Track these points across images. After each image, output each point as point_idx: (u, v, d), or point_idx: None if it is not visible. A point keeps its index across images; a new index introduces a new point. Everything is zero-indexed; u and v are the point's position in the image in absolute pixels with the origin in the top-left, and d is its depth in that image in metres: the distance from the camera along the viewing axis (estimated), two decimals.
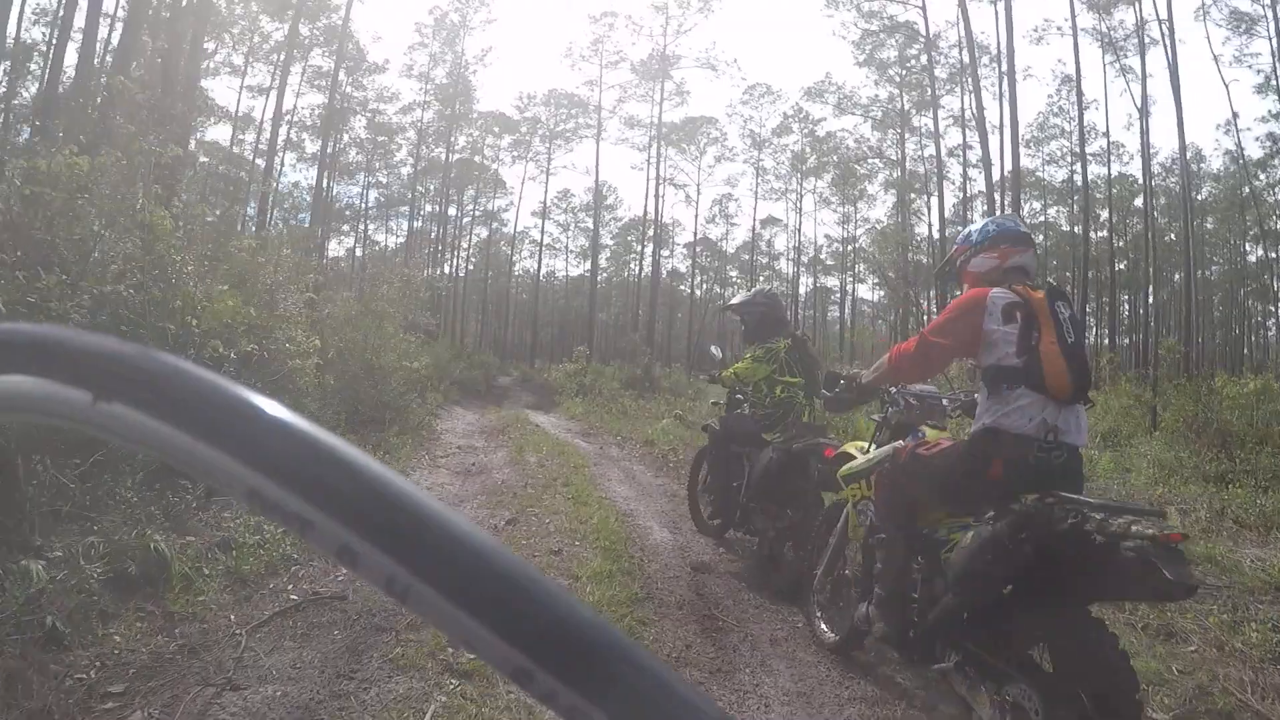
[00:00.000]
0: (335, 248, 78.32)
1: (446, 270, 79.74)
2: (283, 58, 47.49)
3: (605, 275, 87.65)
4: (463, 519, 0.47)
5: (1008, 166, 45.87)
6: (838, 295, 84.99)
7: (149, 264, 10.52)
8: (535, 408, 36.43)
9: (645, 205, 75.51)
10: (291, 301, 17.06)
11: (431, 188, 75.20)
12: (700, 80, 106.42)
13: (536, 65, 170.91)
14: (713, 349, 12.15)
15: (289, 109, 61.29)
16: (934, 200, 63.24)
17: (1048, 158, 66.79)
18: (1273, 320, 70.37)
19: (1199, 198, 63.47)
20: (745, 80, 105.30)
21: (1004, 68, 44.20)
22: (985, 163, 43.12)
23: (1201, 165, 64.26)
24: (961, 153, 62.44)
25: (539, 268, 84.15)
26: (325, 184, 67.10)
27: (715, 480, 10.69)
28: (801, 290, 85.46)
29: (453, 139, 72.66)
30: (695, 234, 79.69)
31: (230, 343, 11.44)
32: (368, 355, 20.84)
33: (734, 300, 10.77)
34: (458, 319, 79.39)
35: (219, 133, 66.96)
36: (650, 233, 71.57)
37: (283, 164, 64.41)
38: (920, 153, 65.96)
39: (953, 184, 67.10)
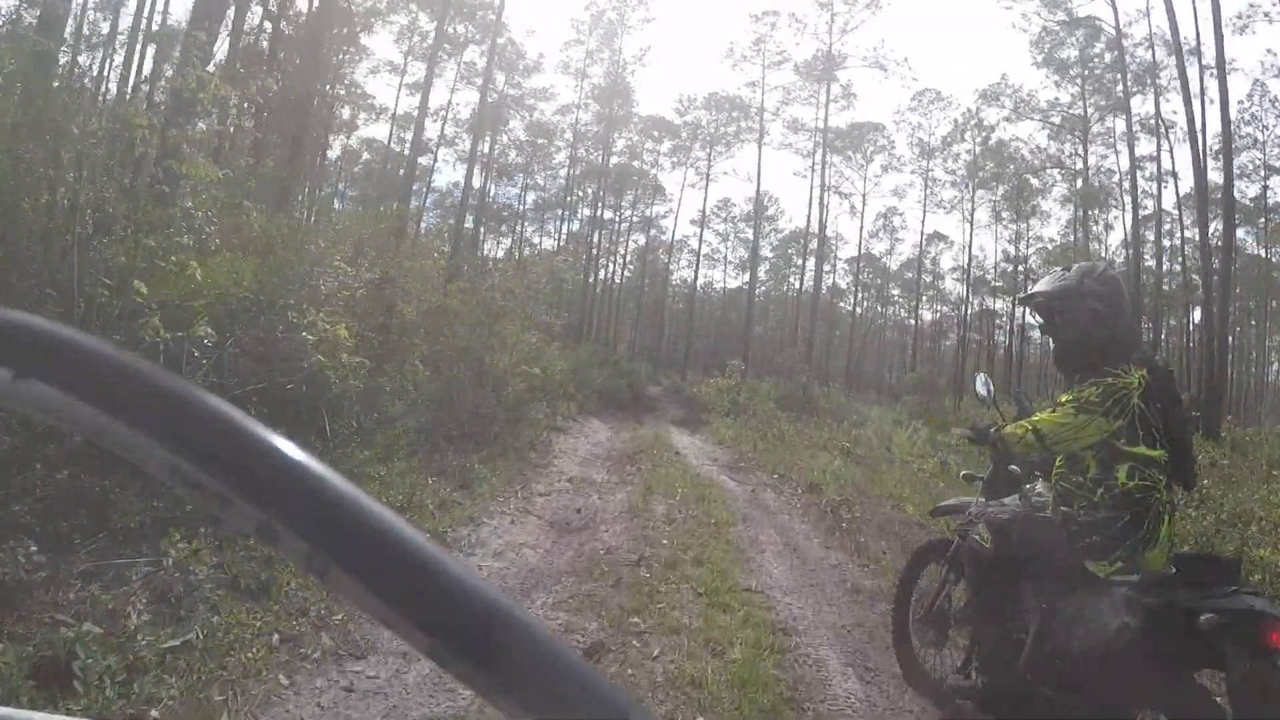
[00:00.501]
0: (493, 247, 75.43)
1: (602, 276, 76.81)
2: (430, 50, 43.57)
3: (764, 288, 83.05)
4: (374, 504, 0.46)
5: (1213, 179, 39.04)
6: (1003, 320, 77.42)
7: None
8: (681, 424, 32.32)
9: (808, 215, 69.83)
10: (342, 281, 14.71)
11: (590, 191, 71.47)
12: (868, 81, 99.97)
13: (696, 67, 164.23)
14: (980, 381, 6.42)
15: (442, 104, 57.88)
16: (1120, 216, 57.17)
17: (1238, 171, 59.07)
18: None
19: None
20: (915, 80, 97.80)
21: (1207, 59, 37.51)
22: (1197, 171, 36.36)
23: None
24: (1146, 165, 55.73)
25: (696, 277, 78.54)
26: (483, 183, 64.70)
27: (970, 616, 5.87)
28: (967, 312, 78.31)
29: (611, 141, 68.70)
30: (860, 246, 73.46)
31: (177, 324, 9.01)
32: (473, 356, 17.73)
33: (1039, 285, 5.49)
34: (611, 325, 76.54)
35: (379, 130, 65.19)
36: (812, 245, 66.50)
37: (434, 161, 62.73)
38: (1100, 164, 59.42)
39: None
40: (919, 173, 69.01)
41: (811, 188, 66.71)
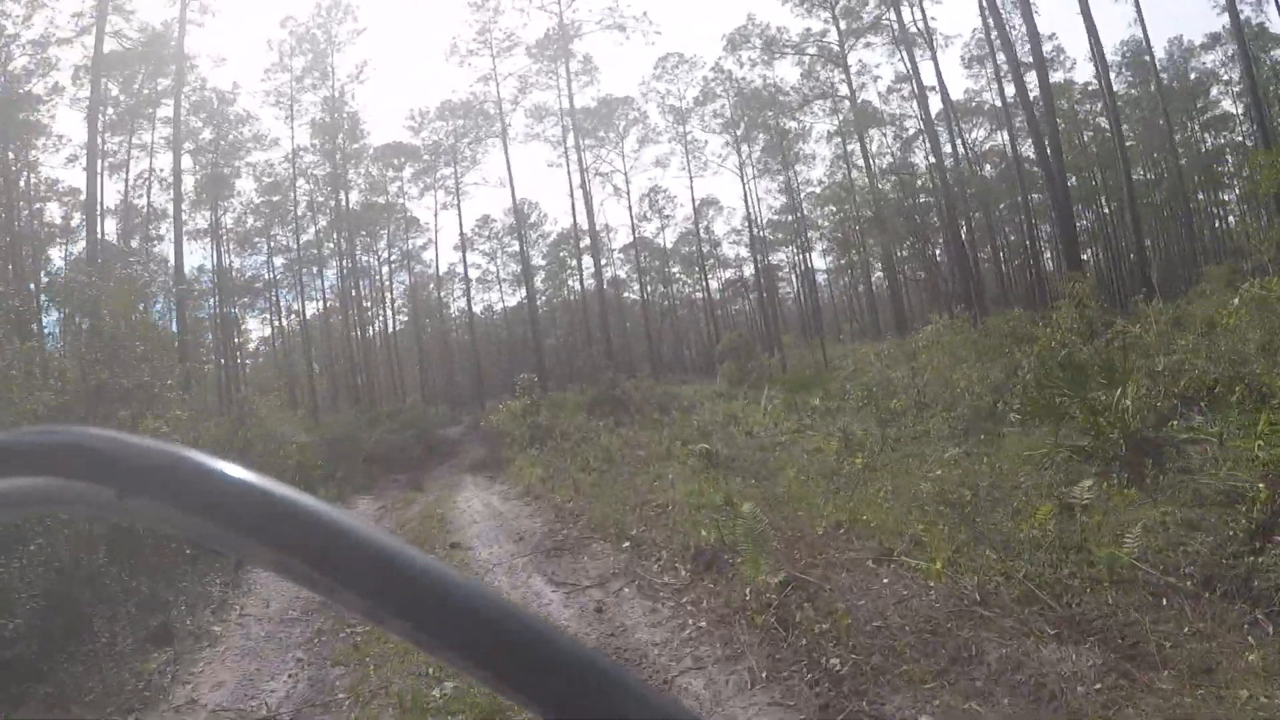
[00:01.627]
0: (257, 326, 68.98)
1: (375, 329, 69.98)
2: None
3: (544, 298, 74.79)
4: (460, 579, 0.48)
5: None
6: (785, 270, 70.26)
7: None
8: (479, 470, 25.96)
9: (572, 205, 61.27)
10: None
11: (341, 239, 60.45)
12: (608, 49, 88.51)
13: (424, 75, 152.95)
14: None
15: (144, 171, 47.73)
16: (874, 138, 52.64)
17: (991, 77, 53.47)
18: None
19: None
20: (659, 35, 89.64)
21: None
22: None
23: (1147, 58, 51.77)
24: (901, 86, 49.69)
25: (469, 304, 70.14)
26: (217, 258, 57.15)
27: None
28: (748, 272, 72.38)
29: (347, 180, 60.29)
30: (632, 228, 66.06)
31: None
32: None
33: None
34: (395, 375, 69.10)
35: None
36: (584, 238, 60.92)
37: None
38: (858, 96, 54.35)
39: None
40: (677, 139, 61.89)
41: (570, 174, 57.72)
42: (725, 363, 43.77)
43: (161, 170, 51.72)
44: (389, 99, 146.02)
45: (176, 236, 43.91)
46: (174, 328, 39.39)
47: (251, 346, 69.68)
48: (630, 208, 63.65)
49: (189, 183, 53.09)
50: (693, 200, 64.73)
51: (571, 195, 58.27)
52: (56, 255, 52.27)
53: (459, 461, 30.79)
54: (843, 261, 64.52)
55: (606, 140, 60.35)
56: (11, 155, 45.11)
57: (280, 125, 70.97)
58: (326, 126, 56.54)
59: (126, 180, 49.98)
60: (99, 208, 40.14)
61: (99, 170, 35.72)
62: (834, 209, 59.35)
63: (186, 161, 52.40)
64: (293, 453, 21.59)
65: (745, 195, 60.45)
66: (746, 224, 60.90)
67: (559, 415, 26.50)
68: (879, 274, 61.52)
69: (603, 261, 64.66)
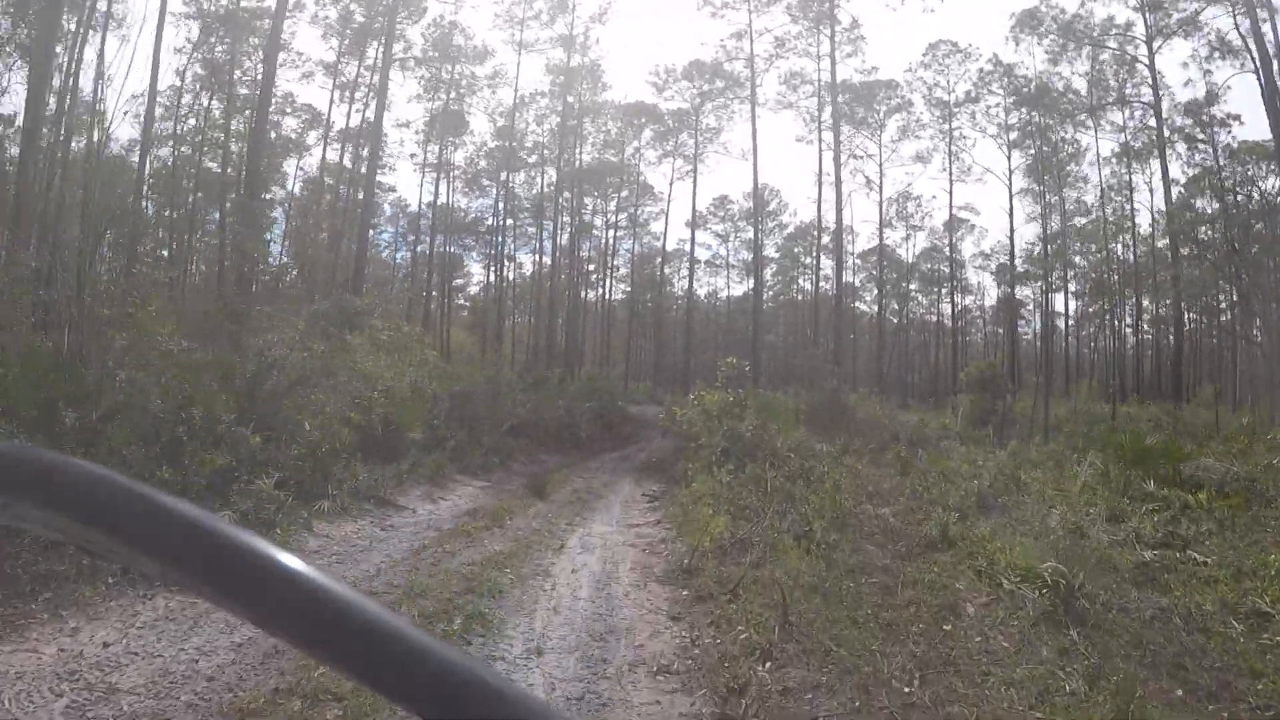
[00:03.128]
0: (478, 271, 63.00)
1: (594, 293, 64.23)
2: None
3: (771, 292, 66.05)
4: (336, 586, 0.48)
5: None
6: (1029, 308, 58.98)
7: None
8: (646, 476, 19.00)
9: (818, 190, 51.09)
10: None
11: (573, 194, 55.07)
12: (876, 13, 75.33)
13: (663, 30, 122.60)
14: None
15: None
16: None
17: None
18: None
19: None
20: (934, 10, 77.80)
21: None
22: None
23: None
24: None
25: (691, 283, 62.09)
26: (448, 196, 52.24)
27: None
28: (988, 301, 64.13)
29: (582, 135, 53.55)
30: (879, 230, 54.92)
31: None
32: None
33: None
34: (603, 343, 63.72)
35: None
36: (821, 233, 52.61)
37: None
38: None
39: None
40: (941, 136, 51.04)
41: (820, 155, 48.69)
42: (964, 395, 35.24)
43: (391, 97, 46.39)
44: (626, 51, 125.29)
45: (371, 164, 37.67)
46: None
47: (473, 290, 64.95)
48: (880, 204, 53.47)
49: (417, 112, 48.12)
50: (950, 206, 53.73)
51: (819, 181, 49.08)
52: (290, 167, 50.29)
53: (631, 452, 23.20)
54: (1092, 309, 54.32)
55: (864, 124, 50.83)
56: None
57: (506, 50, 63.90)
58: (562, 69, 49.75)
59: (350, 101, 45.16)
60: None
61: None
62: (1094, 247, 49.10)
63: (412, 88, 47.40)
64: (376, 402, 14.19)
65: (1010, 209, 48.88)
66: (1009, 238, 50.23)
67: (768, 422, 18.09)
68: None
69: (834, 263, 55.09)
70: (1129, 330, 51.95)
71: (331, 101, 46.37)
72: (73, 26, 33.32)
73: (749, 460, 15.67)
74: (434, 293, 57.04)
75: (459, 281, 63.96)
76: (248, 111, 43.74)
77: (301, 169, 50.84)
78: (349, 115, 45.45)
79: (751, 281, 59.38)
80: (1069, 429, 27.49)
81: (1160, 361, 47.18)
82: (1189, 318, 49.55)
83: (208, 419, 10.88)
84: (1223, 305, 47.91)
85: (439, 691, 0.44)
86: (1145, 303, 48.67)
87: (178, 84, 40.53)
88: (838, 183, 46.27)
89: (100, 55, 33.98)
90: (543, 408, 23.61)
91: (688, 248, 62.43)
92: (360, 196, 43.27)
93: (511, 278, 62.94)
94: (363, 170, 42.18)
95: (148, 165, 39.45)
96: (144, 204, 37.08)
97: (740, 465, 15.32)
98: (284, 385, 12.87)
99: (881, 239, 55.02)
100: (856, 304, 61.93)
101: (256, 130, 30.92)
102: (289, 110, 48.35)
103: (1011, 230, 49.61)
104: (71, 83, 32.42)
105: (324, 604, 0.44)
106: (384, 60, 38.70)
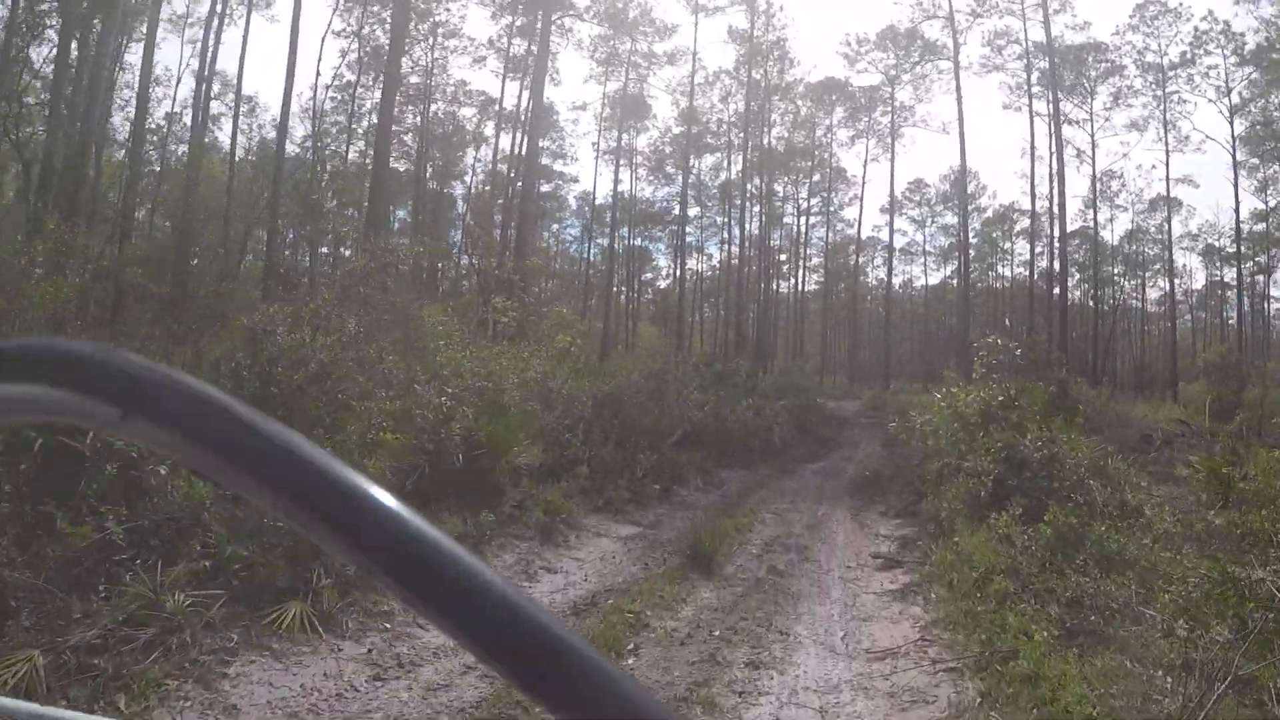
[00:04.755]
0: (667, 263, 58.88)
1: (788, 285, 59.81)
2: None
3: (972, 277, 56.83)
4: (447, 541, 0.44)
5: None
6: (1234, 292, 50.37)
7: None
8: (867, 503, 13.63)
9: (1030, 162, 43.15)
10: None
11: (761, 181, 49.46)
12: None
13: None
14: None
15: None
16: None
17: None
18: None
19: None
20: None
21: None
22: None
23: None
24: None
25: (889, 273, 55.77)
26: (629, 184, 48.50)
27: None
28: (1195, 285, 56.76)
29: (770, 116, 47.48)
30: (1093, 203, 46.58)
31: None
32: None
33: None
34: (795, 335, 57.90)
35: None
36: (1026, 214, 46.39)
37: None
38: None
39: None
40: (1155, 102, 42.83)
41: (1032, 124, 41.29)
42: (1193, 384, 32.22)
43: (557, 73, 41.63)
44: (814, 22, 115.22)
45: (531, 140, 33.00)
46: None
47: (662, 284, 61.31)
48: (1094, 177, 45.22)
49: (595, 94, 43.31)
50: (1167, 179, 45.11)
51: (1031, 152, 41.59)
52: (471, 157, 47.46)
53: (836, 462, 17.76)
54: None
55: (1074, 91, 42.92)
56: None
57: (680, 10, 57.90)
58: (744, 38, 43.99)
59: (521, 83, 40.57)
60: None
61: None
62: None
63: (585, 67, 43.19)
64: (451, 411, 8.69)
65: (1235, 179, 40.39)
66: (1235, 209, 41.82)
67: (1025, 419, 11.64)
68: None
69: (1037, 247, 48.85)
70: None
71: (503, 86, 42.64)
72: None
73: (1036, 494, 9.75)
74: (622, 287, 53.73)
75: (648, 275, 59.91)
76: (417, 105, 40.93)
77: (478, 159, 47.61)
78: (519, 98, 41.07)
79: (949, 268, 57.65)
80: None
81: None
82: None
83: None
84: None
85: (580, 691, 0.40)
86: None
87: (337, 71, 37.75)
88: (1059, 147, 38.65)
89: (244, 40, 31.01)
90: (725, 409, 17.73)
91: (882, 234, 57.59)
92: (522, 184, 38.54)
93: (700, 269, 59.27)
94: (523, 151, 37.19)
95: (327, 163, 36.62)
96: (326, 202, 34.57)
97: (1029, 505, 9.41)
98: (291, 386, 7.44)
99: (1096, 215, 47.08)
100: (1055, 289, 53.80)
101: (378, 151, 25.87)
102: (462, 99, 45.34)
103: (1237, 201, 41.48)
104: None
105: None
106: (543, 24, 33.39)
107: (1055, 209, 40.56)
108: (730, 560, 9.12)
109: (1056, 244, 41.82)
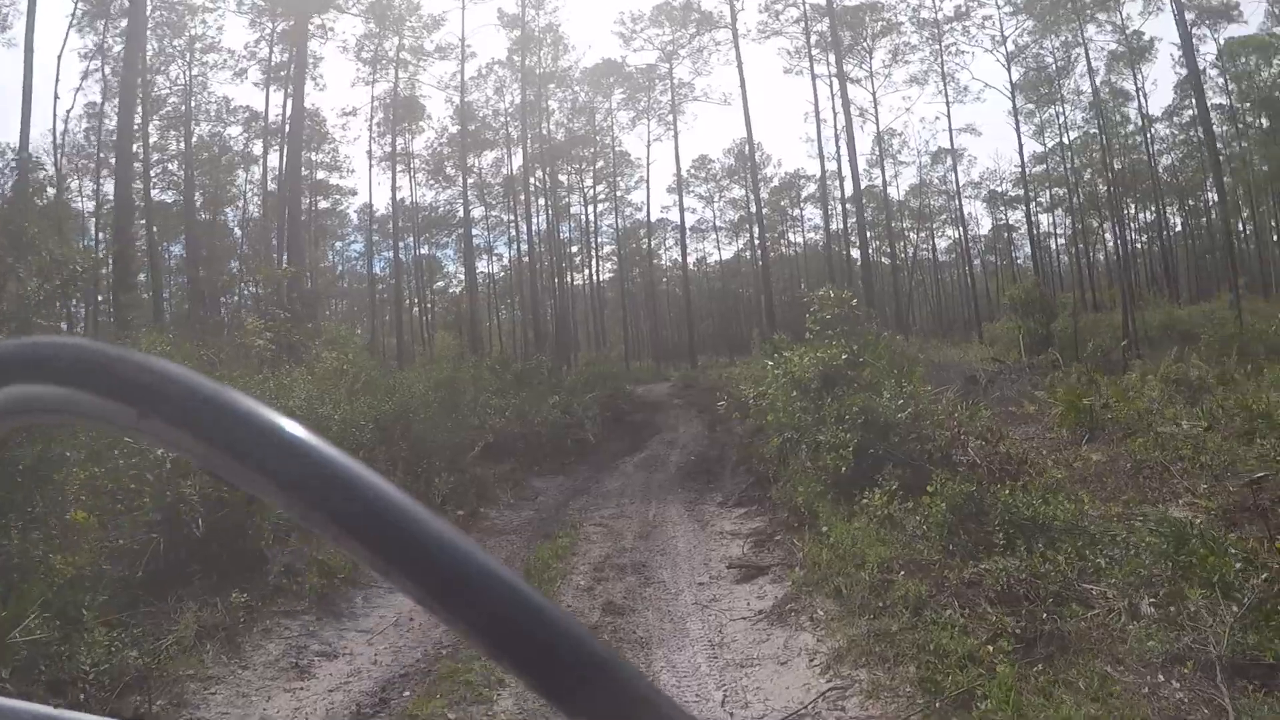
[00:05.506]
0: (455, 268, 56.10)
1: (582, 276, 58.25)
2: None
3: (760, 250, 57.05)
4: (460, 537, 0.43)
5: None
6: (1023, 230, 53.91)
7: None
8: (701, 496, 11.75)
9: (816, 124, 43.74)
10: None
11: (542, 175, 47.96)
12: None
13: None
14: None
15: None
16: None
17: None
18: None
19: None
20: None
21: None
22: None
23: None
24: None
25: (684, 253, 54.75)
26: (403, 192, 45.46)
27: None
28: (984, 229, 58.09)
29: (547, 104, 46.33)
30: (879, 159, 48.40)
31: None
32: None
33: None
34: (596, 326, 57.36)
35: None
36: (824, 179, 45.71)
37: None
38: None
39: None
40: (934, 57, 44.08)
41: (814, 80, 42.52)
42: (1002, 323, 31.71)
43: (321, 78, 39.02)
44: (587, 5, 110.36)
45: (293, 147, 30.51)
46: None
47: (456, 290, 57.76)
48: (878, 134, 45.94)
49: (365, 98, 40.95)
50: (950, 130, 46.54)
51: (816, 114, 41.93)
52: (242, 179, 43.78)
53: (659, 450, 16.39)
54: (1080, 226, 48.32)
55: (852, 51, 43.06)
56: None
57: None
58: (517, 22, 42.17)
59: (285, 92, 37.70)
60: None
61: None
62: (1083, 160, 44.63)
63: (354, 69, 40.80)
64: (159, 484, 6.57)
65: (1017, 124, 42.08)
66: (1019, 152, 43.59)
67: (879, 376, 10.38)
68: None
69: (832, 210, 48.47)
70: (1115, 241, 46.77)
71: (268, 98, 39.41)
72: None
73: (910, 462, 8.59)
74: (415, 299, 51.59)
75: (440, 284, 57.47)
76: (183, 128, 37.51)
77: (250, 181, 43.81)
78: (284, 109, 38.00)
79: (741, 241, 57.50)
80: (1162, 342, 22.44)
81: (1169, 263, 45.42)
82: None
83: None
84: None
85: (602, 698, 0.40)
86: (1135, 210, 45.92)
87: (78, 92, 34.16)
88: (845, 106, 38.78)
89: None
90: (529, 411, 16.00)
91: (671, 215, 56.60)
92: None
93: (491, 271, 57.59)
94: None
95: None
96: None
97: (905, 475, 8.20)
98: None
99: (885, 173, 48.57)
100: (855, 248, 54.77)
101: (118, 179, 23.01)
102: (227, 117, 41.67)
103: (1020, 145, 43.82)
104: None
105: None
106: (298, 24, 30.83)
107: (847, 168, 40.92)
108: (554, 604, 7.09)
109: (849, 204, 42.22)
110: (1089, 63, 40.26)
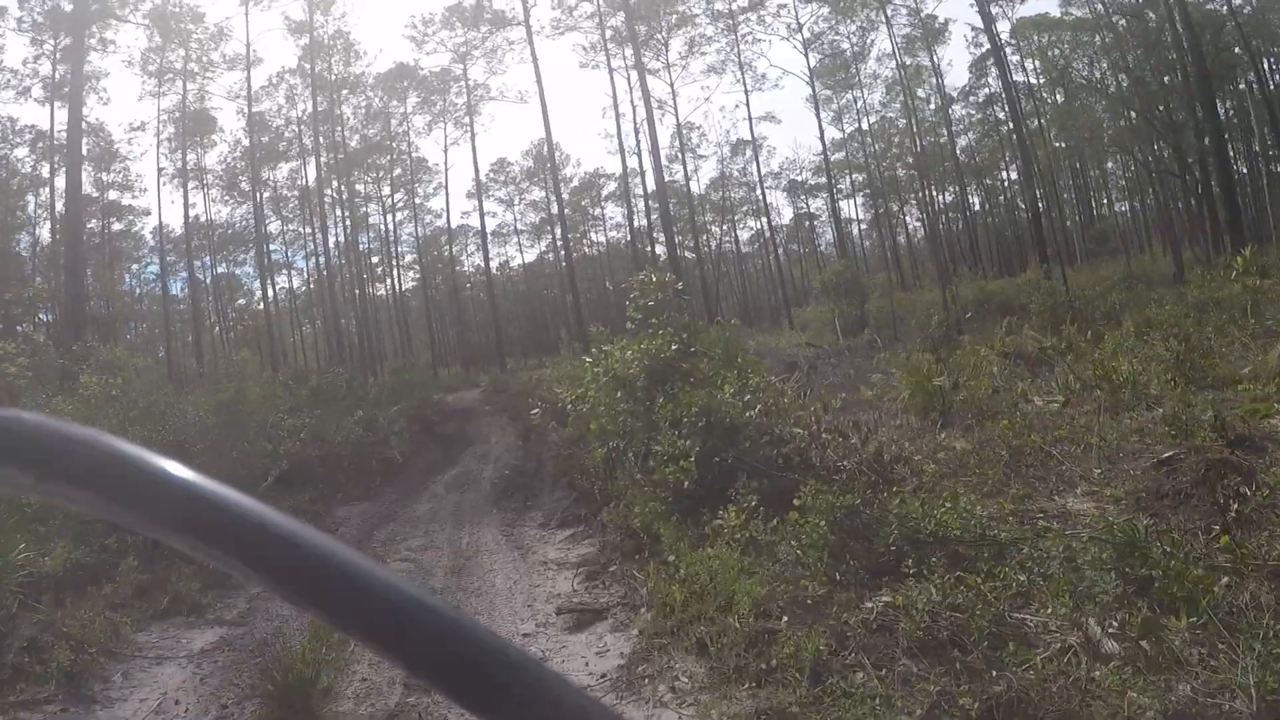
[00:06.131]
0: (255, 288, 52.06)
1: (384, 287, 56.46)
2: None
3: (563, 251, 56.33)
4: (353, 556, 0.44)
5: None
6: (825, 217, 56.80)
7: None
8: (519, 520, 10.31)
9: (615, 118, 43.06)
10: None
11: (339, 186, 46.26)
12: None
13: None
14: None
15: None
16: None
17: None
18: None
19: None
20: None
21: None
22: None
23: None
24: None
25: (486, 258, 53.37)
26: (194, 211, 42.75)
27: None
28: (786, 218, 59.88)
29: (341, 112, 44.24)
30: (680, 151, 47.85)
31: None
32: None
33: None
34: (401, 336, 54.95)
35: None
36: (614, 181, 47.79)
37: None
38: None
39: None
40: (730, 48, 44.10)
41: (611, 74, 41.76)
42: (815, 307, 32.24)
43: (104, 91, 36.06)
44: (379, 10, 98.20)
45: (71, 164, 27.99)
46: None
47: (257, 306, 54.22)
48: (678, 125, 45.73)
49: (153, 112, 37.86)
50: (749, 118, 46.98)
51: (615, 108, 41.36)
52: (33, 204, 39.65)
53: (472, 466, 15.18)
54: (882, 210, 49.57)
55: (648, 44, 42.49)
56: None
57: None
58: (303, 29, 40.07)
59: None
60: None
61: None
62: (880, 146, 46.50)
63: (140, 83, 37.44)
64: None
65: (817, 110, 42.86)
66: (820, 138, 44.79)
67: (717, 369, 9.43)
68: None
69: (623, 209, 49.46)
70: (919, 223, 50.08)
71: (52, 115, 35.87)
72: None
73: (767, 469, 7.48)
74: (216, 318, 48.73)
75: (241, 302, 54.33)
76: None
77: (40, 205, 39.81)
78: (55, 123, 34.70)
79: (544, 243, 57.52)
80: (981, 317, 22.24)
81: (973, 240, 47.24)
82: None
83: None
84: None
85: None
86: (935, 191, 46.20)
87: None
88: (645, 98, 38.56)
89: None
90: (330, 429, 14.66)
91: (471, 221, 56.47)
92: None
93: (292, 286, 55.10)
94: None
95: None
96: None
97: (765, 486, 7.09)
98: None
99: (686, 166, 48.74)
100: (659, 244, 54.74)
101: None
102: (12, 138, 38.31)
103: (821, 130, 44.37)
104: None
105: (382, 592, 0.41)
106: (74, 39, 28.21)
107: (648, 161, 40.71)
108: (347, 680, 5.72)
109: (652, 200, 42.01)
110: (894, 41, 41.53)
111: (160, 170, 40.79)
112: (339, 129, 44.18)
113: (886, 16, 40.31)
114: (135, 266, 51.42)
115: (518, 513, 10.81)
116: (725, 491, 7.18)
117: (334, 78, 42.39)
